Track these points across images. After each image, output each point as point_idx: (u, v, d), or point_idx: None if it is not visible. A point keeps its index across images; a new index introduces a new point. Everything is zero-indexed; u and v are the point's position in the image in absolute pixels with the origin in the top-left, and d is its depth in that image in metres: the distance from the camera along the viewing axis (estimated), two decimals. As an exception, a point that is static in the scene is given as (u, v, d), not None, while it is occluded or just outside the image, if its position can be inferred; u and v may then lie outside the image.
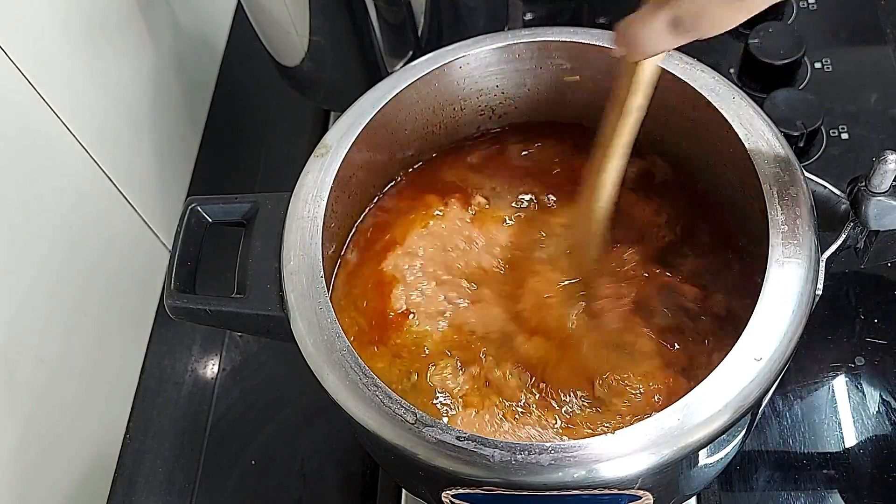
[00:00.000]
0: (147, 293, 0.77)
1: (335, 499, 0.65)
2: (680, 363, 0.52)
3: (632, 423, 0.43)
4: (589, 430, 0.50)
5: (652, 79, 0.46)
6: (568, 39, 0.57)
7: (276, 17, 0.72)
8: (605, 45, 0.56)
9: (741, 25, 0.80)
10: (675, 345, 0.52)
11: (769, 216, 0.47)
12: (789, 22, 0.82)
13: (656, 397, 0.50)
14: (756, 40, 0.77)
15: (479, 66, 0.58)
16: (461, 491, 0.44)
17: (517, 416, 0.51)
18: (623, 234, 0.57)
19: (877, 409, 0.63)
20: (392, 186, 0.62)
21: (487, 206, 0.60)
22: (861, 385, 0.64)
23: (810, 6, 0.83)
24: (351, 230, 0.60)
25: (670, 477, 0.46)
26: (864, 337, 0.66)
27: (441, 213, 0.60)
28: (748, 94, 0.53)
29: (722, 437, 0.43)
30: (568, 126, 0.62)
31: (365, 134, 0.54)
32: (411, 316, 0.55)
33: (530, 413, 0.51)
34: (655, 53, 0.43)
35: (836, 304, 0.67)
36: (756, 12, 0.36)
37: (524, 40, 0.57)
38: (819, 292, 0.46)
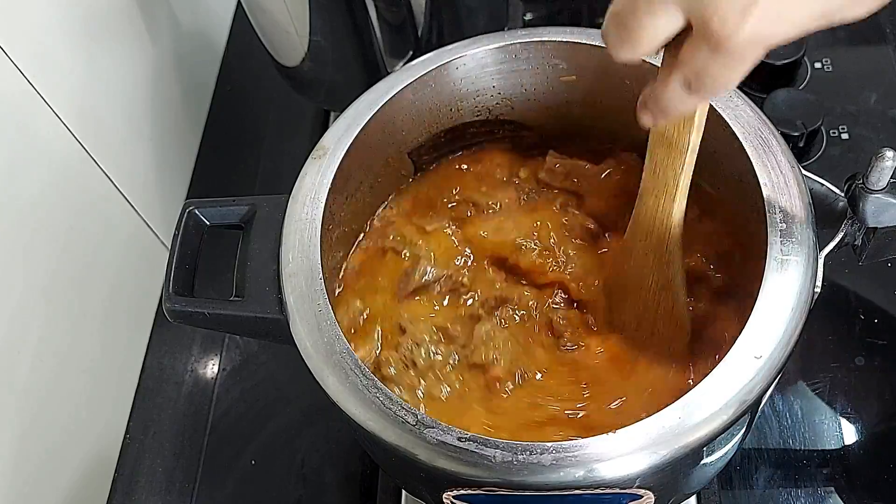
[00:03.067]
0: (147, 293, 0.77)
1: (335, 499, 0.65)
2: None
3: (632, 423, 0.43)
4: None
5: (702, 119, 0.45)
6: (564, 39, 0.57)
7: (276, 17, 0.72)
8: (601, 45, 0.56)
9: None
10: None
11: (767, 214, 0.47)
12: (789, 21, 0.82)
13: None
14: (756, 40, 0.77)
15: (476, 66, 0.58)
16: (462, 492, 0.44)
17: None
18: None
19: (876, 408, 0.63)
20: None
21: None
22: (861, 385, 0.64)
23: (810, 5, 0.83)
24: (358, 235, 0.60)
25: (671, 476, 0.46)
26: (864, 337, 0.66)
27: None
28: (748, 94, 0.53)
29: (722, 435, 0.43)
30: (572, 134, 0.62)
31: (362, 136, 0.54)
32: None
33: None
34: (681, 114, 0.44)
35: (835, 304, 0.67)
36: (749, 69, 0.37)
37: (521, 40, 0.57)
38: (818, 290, 0.46)
